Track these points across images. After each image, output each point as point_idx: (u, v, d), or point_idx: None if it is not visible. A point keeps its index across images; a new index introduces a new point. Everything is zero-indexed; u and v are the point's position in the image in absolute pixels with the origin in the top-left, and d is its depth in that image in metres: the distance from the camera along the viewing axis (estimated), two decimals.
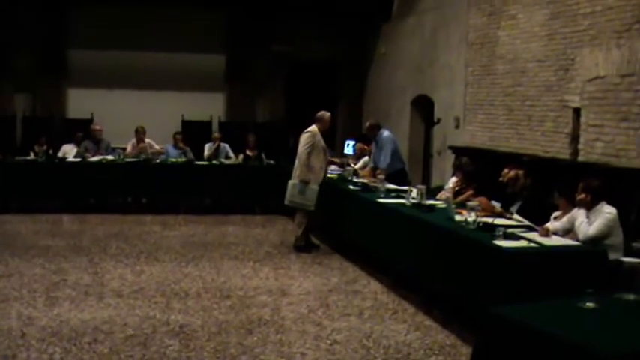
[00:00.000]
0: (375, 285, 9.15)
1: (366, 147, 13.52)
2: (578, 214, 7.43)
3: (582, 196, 7.37)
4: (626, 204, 8.17)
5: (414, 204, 9.18)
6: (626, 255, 7.04)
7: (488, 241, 6.93)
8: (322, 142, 10.97)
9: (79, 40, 17.71)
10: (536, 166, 10.42)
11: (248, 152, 15.49)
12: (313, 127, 11.04)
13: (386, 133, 12.27)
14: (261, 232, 12.66)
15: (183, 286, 8.81)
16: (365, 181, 11.44)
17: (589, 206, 7.34)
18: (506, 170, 9.35)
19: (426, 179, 15.16)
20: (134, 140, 15.06)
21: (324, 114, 11.24)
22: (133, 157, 14.72)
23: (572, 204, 7.79)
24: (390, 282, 9.15)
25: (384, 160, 11.94)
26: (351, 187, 11.18)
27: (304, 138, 10.95)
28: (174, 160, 14.93)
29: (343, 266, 10.13)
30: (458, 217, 8.08)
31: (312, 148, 10.81)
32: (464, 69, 14.26)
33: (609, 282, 5.91)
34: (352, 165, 13.32)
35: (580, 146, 10.66)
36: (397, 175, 11.75)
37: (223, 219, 13.68)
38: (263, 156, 15.28)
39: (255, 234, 12.39)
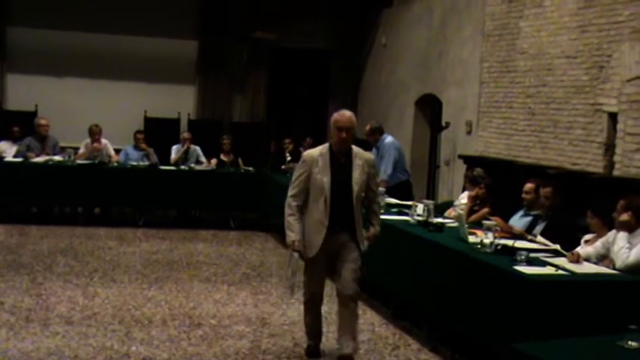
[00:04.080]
0: (372, 315, 9.13)
1: None
2: (618, 238, 7.41)
3: (625, 216, 7.36)
4: None
5: (419, 221, 9.17)
6: None
7: (509, 266, 6.92)
8: (325, 173, 7.20)
9: (21, 15, 17.45)
10: (563, 180, 10.43)
11: (222, 157, 15.47)
12: (315, 150, 7.48)
13: (389, 139, 12.28)
14: (237, 250, 12.63)
15: (146, 312, 8.77)
16: None
17: (632, 229, 7.33)
18: (529, 185, 9.37)
19: (431, 193, 15.18)
20: (88, 140, 14.97)
21: (333, 117, 7.39)
22: (86, 160, 14.64)
23: (608, 226, 7.80)
24: (390, 313, 9.12)
25: (386, 171, 11.93)
26: None
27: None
28: (134, 163, 14.87)
29: (334, 293, 10.03)
30: (472, 238, 8.06)
31: (300, 183, 7.28)
32: (478, 65, 14.28)
33: None
34: None
35: (616, 158, 10.67)
36: (400, 188, 11.76)
37: (192, 234, 13.64)
38: (240, 161, 15.28)
39: (230, 252, 12.36)
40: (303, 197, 7.27)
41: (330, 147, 7.30)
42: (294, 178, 7.38)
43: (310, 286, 7.52)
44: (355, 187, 7.23)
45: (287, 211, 7.28)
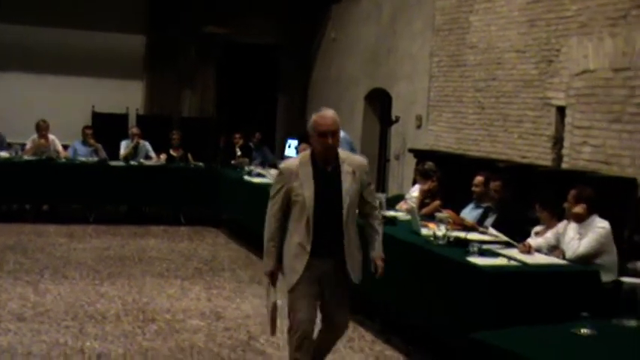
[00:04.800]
0: None
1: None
2: (568, 229, 7.57)
3: (578, 208, 7.50)
4: (618, 218, 8.32)
5: None
6: (619, 277, 7.22)
7: (462, 258, 7.02)
8: (308, 187, 5.96)
9: None
10: (512, 173, 10.56)
11: (172, 152, 15.44)
12: (293, 160, 6.41)
13: (341, 134, 12.30)
14: (189, 245, 12.62)
15: (99, 307, 8.75)
16: None
17: (582, 219, 7.47)
18: (478, 178, 9.50)
19: (381, 187, 15.25)
20: (35, 136, 14.85)
21: (313, 120, 6.06)
22: (33, 156, 14.52)
23: (557, 217, 7.95)
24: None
25: None
26: None
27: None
28: (83, 159, 14.78)
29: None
30: (424, 231, 8.16)
31: (279, 200, 6.06)
32: (428, 59, 14.38)
33: (603, 306, 6.04)
34: None
35: (564, 151, 10.83)
36: None
37: (143, 230, 13.61)
38: (189, 156, 15.25)
39: (182, 248, 12.35)
40: (283, 216, 6.04)
41: (313, 155, 5.98)
42: (271, 193, 6.09)
43: (296, 318, 6.04)
44: (346, 200, 5.93)
45: (265, 234, 6.10)
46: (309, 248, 5.92)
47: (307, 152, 6.10)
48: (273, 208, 6.06)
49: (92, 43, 17.78)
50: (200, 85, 18.86)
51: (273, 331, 6.36)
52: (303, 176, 5.91)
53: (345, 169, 5.98)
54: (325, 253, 5.98)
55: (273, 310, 6.16)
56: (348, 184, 5.96)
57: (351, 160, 6.12)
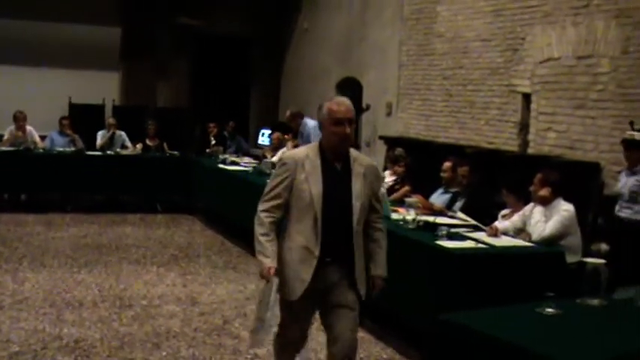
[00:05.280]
0: None
1: (285, 136, 13.51)
2: (534, 212, 7.58)
3: (544, 191, 7.52)
4: (582, 201, 8.35)
5: None
6: (583, 258, 7.25)
7: (431, 241, 7.02)
8: (315, 182, 5.09)
9: None
10: (480, 158, 10.59)
11: (148, 141, 15.34)
12: (299, 150, 5.46)
13: (312, 122, 12.26)
14: (165, 233, 12.55)
15: (77, 295, 8.67)
16: None
17: (547, 202, 7.49)
18: (447, 164, 9.50)
19: None
20: (12, 127, 14.72)
21: (326, 107, 5.15)
22: (10, 146, 14.40)
23: (523, 201, 7.96)
24: None
25: None
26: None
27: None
28: (60, 149, 14.67)
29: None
30: (394, 216, 8.16)
31: (278, 195, 5.13)
32: (397, 48, 14.39)
33: (568, 286, 6.06)
34: (269, 157, 13.30)
35: (530, 137, 10.89)
36: None
37: (120, 218, 13.50)
38: (165, 146, 15.18)
39: (158, 235, 12.28)
40: (281, 214, 5.14)
41: (321, 148, 5.14)
42: (268, 187, 5.15)
43: (288, 332, 5.33)
44: (357, 204, 5.08)
45: (257, 229, 5.12)
46: (317, 252, 5.01)
47: (315, 144, 5.20)
48: (269, 203, 5.08)
49: (69, 35, 17.74)
50: (175, 75, 18.80)
51: (257, 343, 5.40)
52: (309, 169, 5.04)
53: (357, 169, 5.13)
54: (334, 260, 5.08)
55: (271, 315, 5.00)
56: (359, 187, 5.10)
57: (362, 161, 5.22)
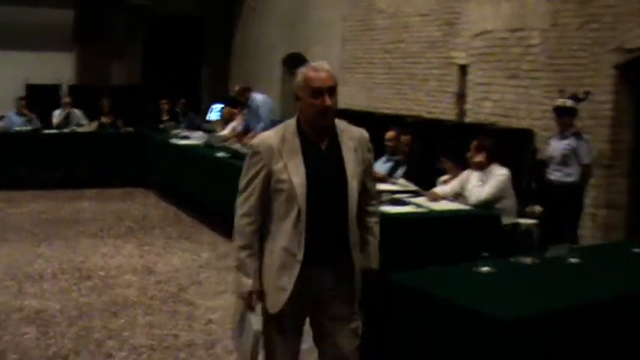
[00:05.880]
0: None
1: (235, 111, 13.45)
2: (471, 177, 7.64)
3: (479, 157, 7.58)
4: (516, 166, 8.43)
5: None
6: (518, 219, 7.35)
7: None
8: (296, 169, 4.03)
9: None
10: (420, 127, 10.63)
11: (103, 119, 15.21)
12: (270, 132, 4.22)
13: (260, 97, 12.25)
14: (121, 206, 12.46)
15: (37, 267, 8.61)
16: (235, 147, 11.34)
17: (483, 167, 7.55)
18: (390, 133, 9.53)
19: None
20: None
21: (303, 75, 4.10)
22: None
23: (461, 167, 8.02)
24: None
25: (260, 126, 11.86)
26: (220, 154, 11.04)
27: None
28: (18, 128, 14.50)
29: (214, 241, 10.11)
30: None
31: (254, 192, 4.08)
32: (340, 24, 14.38)
33: (503, 246, 6.12)
34: (219, 131, 13.24)
35: (467, 106, 10.95)
36: None
37: (77, 193, 13.37)
38: (119, 123, 15.06)
39: (114, 209, 12.19)
40: (262, 216, 4.07)
41: (299, 125, 4.07)
42: (242, 182, 4.08)
43: (277, 355, 4.18)
44: (353, 187, 4.04)
45: (237, 240, 4.08)
46: (300, 256, 3.96)
47: (291, 122, 4.11)
48: (245, 204, 4.03)
49: (23, 18, 17.41)
50: (128, 55, 18.61)
51: None
52: (287, 155, 3.99)
53: (347, 143, 4.09)
54: (324, 262, 4.04)
55: (255, 346, 4.09)
56: (352, 166, 4.05)
57: (351, 133, 4.17)
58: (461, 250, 6.20)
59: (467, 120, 10.96)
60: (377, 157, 9.61)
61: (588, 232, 9.12)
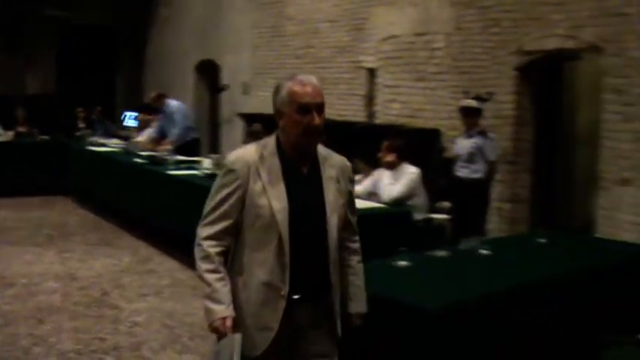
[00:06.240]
0: (170, 263, 9.12)
1: (150, 117, 13.34)
2: (383, 176, 7.73)
3: (390, 157, 7.67)
4: (425, 164, 8.56)
5: (207, 174, 9.21)
6: (429, 215, 7.50)
7: None
8: (277, 193, 3.44)
9: None
10: (332, 130, 10.65)
11: (19, 128, 14.93)
12: (248, 150, 3.55)
13: (174, 103, 12.18)
14: (40, 214, 12.23)
15: None
16: (152, 153, 11.28)
17: (394, 166, 7.65)
18: None
19: (214, 148, 15.23)
20: None
21: (287, 89, 3.44)
22: None
23: (373, 166, 8.11)
24: (187, 259, 9.11)
25: (176, 132, 11.82)
26: (137, 160, 10.97)
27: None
28: None
29: (134, 245, 10.02)
30: None
31: (225, 214, 3.45)
32: (251, 32, 14.38)
33: (418, 241, 6.23)
34: (135, 137, 13.14)
35: (376, 108, 11.05)
36: (190, 146, 11.72)
37: None
38: (35, 132, 14.82)
39: (34, 217, 11.95)
40: (230, 239, 3.50)
41: (279, 145, 3.48)
42: (210, 203, 3.48)
43: None
44: (332, 220, 3.50)
45: (202, 265, 3.42)
46: (286, 290, 3.39)
47: (269, 141, 3.51)
48: (214, 227, 3.42)
49: None
50: (42, 64, 18.34)
51: None
52: (267, 176, 3.42)
53: (328, 172, 3.54)
54: (309, 297, 3.49)
55: None
56: (332, 196, 3.51)
57: (333, 160, 3.60)
58: (376, 247, 6.27)
59: (377, 121, 11.08)
60: None
61: (495, 226, 9.32)
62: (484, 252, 5.46)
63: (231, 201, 3.42)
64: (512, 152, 9.32)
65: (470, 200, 8.52)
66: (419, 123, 10.26)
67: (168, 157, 10.39)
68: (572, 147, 10.24)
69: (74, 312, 7.18)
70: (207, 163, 9.51)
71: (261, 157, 3.44)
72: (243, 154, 3.48)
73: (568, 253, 5.77)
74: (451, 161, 9.04)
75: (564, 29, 8.62)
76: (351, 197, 3.67)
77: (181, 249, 9.33)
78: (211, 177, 9.06)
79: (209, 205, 3.47)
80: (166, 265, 9.03)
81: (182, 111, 12.12)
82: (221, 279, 3.40)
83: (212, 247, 3.42)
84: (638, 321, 5.40)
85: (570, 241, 6.33)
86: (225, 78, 15.40)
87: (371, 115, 11.26)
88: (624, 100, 8.05)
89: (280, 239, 3.38)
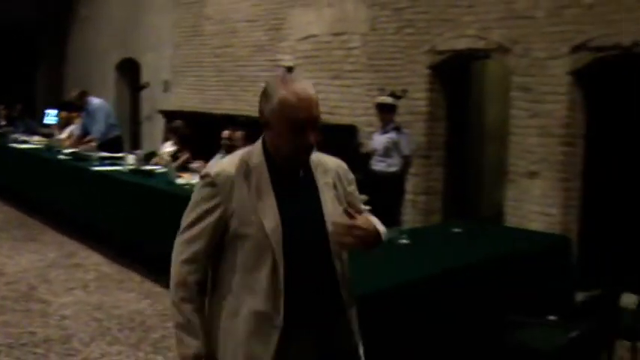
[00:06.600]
0: (96, 257, 9.03)
1: (72, 115, 13.19)
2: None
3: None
4: (343, 160, 8.63)
5: (131, 170, 9.17)
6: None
7: None
8: (267, 209, 2.81)
9: None
10: (252, 126, 10.69)
11: None
12: (230, 161, 2.91)
13: (97, 101, 12.05)
14: None
15: None
16: (75, 150, 11.15)
17: None
18: (225, 132, 9.59)
19: (135, 145, 15.11)
20: None
21: (280, 97, 2.80)
22: None
23: None
24: (113, 253, 9.07)
25: (98, 129, 11.69)
26: (61, 157, 10.83)
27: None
28: None
29: (59, 241, 9.88)
30: (180, 180, 8.19)
31: (205, 235, 2.86)
32: (171, 30, 14.31)
33: None
34: (57, 134, 12.97)
35: None
36: (112, 143, 11.61)
37: None
38: None
39: None
40: (208, 261, 2.92)
41: (267, 155, 2.89)
42: (187, 218, 2.91)
43: None
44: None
45: (176, 292, 2.89)
46: (279, 320, 2.78)
47: (254, 149, 2.92)
48: (189, 248, 2.86)
49: None
50: None
51: None
52: (256, 189, 2.83)
53: (322, 179, 2.98)
54: (307, 326, 2.86)
55: None
56: (331, 205, 2.93)
57: (326, 165, 3.05)
58: None
59: None
60: (213, 154, 9.68)
61: (410, 217, 9.46)
62: (404, 242, 5.56)
63: (211, 219, 2.83)
64: (426, 147, 9.48)
65: (386, 193, 8.63)
66: (336, 119, 10.34)
67: (91, 154, 10.29)
68: (482, 142, 10.48)
69: (3, 307, 7.07)
70: (130, 159, 9.48)
71: (246, 169, 2.84)
72: (226, 166, 2.86)
73: (481, 242, 5.92)
74: (368, 156, 9.15)
75: (475, 30, 8.80)
76: (353, 199, 3.10)
77: (106, 243, 9.28)
78: (135, 172, 9.03)
79: (186, 219, 2.91)
80: (92, 259, 8.94)
81: (104, 109, 11.99)
82: (195, 309, 2.86)
83: (189, 274, 2.86)
84: (543, 304, 5.57)
85: (483, 231, 6.50)
86: (145, 76, 15.28)
87: None
88: (530, 98, 8.26)
89: (274, 262, 2.78)
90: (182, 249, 2.88)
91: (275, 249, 2.77)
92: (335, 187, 3.00)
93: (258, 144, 2.91)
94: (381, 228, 2.97)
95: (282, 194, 2.84)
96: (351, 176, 3.16)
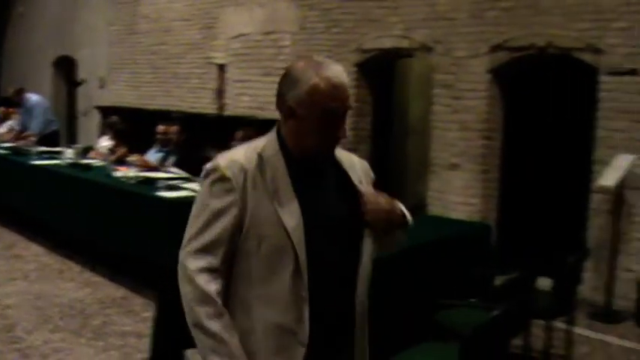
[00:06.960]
0: (36, 248, 8.93)
1: (11, 110, 12.97)
2: None
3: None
4: None
5: (70, 164, 9.08)
6: None
7: (152, 193, 7.08)
8: (288, 208, 2.33)
9: None
10: (185, 121, 10.69)
11: None
12: (243, 151, 2.43)
13: (34, 97, 11.93)
14: None
15: None
16: (13, 144, 10.99)
17: None
18: (160, 127, 9.54)
19: (72, 140, 14.92)
20: None
21: (310, 83, 2.37)
22: None
23: None
24: (52, 244, 8.97)
25: (37, 125, 11.57)
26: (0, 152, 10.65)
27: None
28: None
29: None
30: (117, 174, 8.14)
31: (219, 238, 2.32)
32: (106, 28, 14.15)
33: None
34: None
35: (227, 101, 11.10)
36: (50, 138, 11.49)
37: None
38: None
39: None
40: (226, 270, 2.35)
41: (283, 145, 2.41)
42: (198, 220, 2.38)
43: None
44: (368, 237, 2.53)
45: (199, 308, 2.28)
46: (304, 336, 2.34)
47: (269, 141, 2.45)
48: (206, 255, 2.33)
49: None
50: None
51: None
52: (273, 185, 2.36)
53: (353, 176, 2.55)
54: (332, 345, 2.45)
55: None
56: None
57: (350, 160, 2.60)
58: None
59: (227, 113, 11.13)
60: (148, 148, 9.64)
61: None
62: None
63: (225, 221, 2.34)
64: (353, 140, 9.55)
65: None
66: (266, 114, 10.37)
67: (30, 148, 10.16)
68: (406, 136, 10.61)
69: None
70: (69, 152, 9.41)
71: (260, 161, 2.37)
72: (237, 156, 2.39)
73: (410, 230, 5.99)
74: None
75: (399, 30, 8.91)
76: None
77: (45, 234, 9.17)
78: (73, 166, 8.94)
79: (195, 224, 2.38)
80: (32, 250, 8.84)
81: (42, 105, 11.87)
82: (226, 326, 2.30)
83: (208, 284, 2.30)
84: (468, 287, 5.69)
85: None
86: (81, 72, 15.10)
87: (221, 107, 11.30)
88: (451, 94, 8.41)
89: (295, 265, 2.32)
90: (196, 258, 2.33)
91: (298, 251, 2.31)
92: (361, 184, 2.55)
93: (272, 135, 2.46)
94: (407, 213, 2.64)
95: (302, 189, 2.38)
96: (373, 175, 2.69)
